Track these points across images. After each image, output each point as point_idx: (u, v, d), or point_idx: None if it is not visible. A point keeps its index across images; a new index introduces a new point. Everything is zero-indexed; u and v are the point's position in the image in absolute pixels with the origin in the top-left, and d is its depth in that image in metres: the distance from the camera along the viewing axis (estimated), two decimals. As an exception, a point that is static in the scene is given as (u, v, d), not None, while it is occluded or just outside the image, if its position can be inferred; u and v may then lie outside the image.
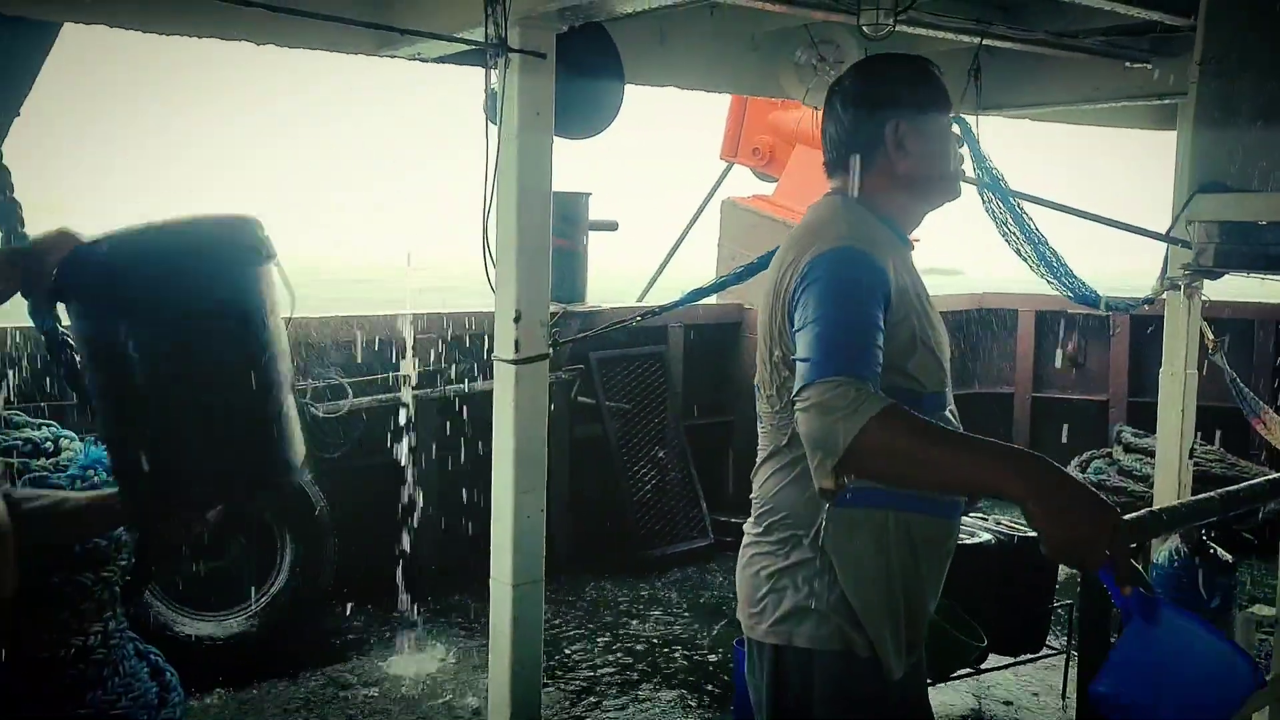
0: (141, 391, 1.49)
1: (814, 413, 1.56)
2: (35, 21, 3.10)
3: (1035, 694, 4.10)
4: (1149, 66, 4.57)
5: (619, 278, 9.21)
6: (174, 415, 1.51)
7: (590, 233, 5.59)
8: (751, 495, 1.99)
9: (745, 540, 1.98)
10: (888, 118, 1.88)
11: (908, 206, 1.94)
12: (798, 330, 1.70)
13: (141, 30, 3.17)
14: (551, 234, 3.27)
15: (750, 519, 1.98)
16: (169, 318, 1.48)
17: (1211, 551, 3.05)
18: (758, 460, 1.98)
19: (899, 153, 1.88)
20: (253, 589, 4.28)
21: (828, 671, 1.83)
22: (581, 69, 3.48)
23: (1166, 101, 4.74)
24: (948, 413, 1.92)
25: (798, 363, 1.65)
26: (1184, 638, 1.49)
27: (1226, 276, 3.13)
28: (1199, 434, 5.13)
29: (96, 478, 3.29)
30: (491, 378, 4.93)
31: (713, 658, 4.47)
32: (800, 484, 1.82)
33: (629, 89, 3.93)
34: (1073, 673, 3.72)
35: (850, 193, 1.91)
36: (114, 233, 1.49)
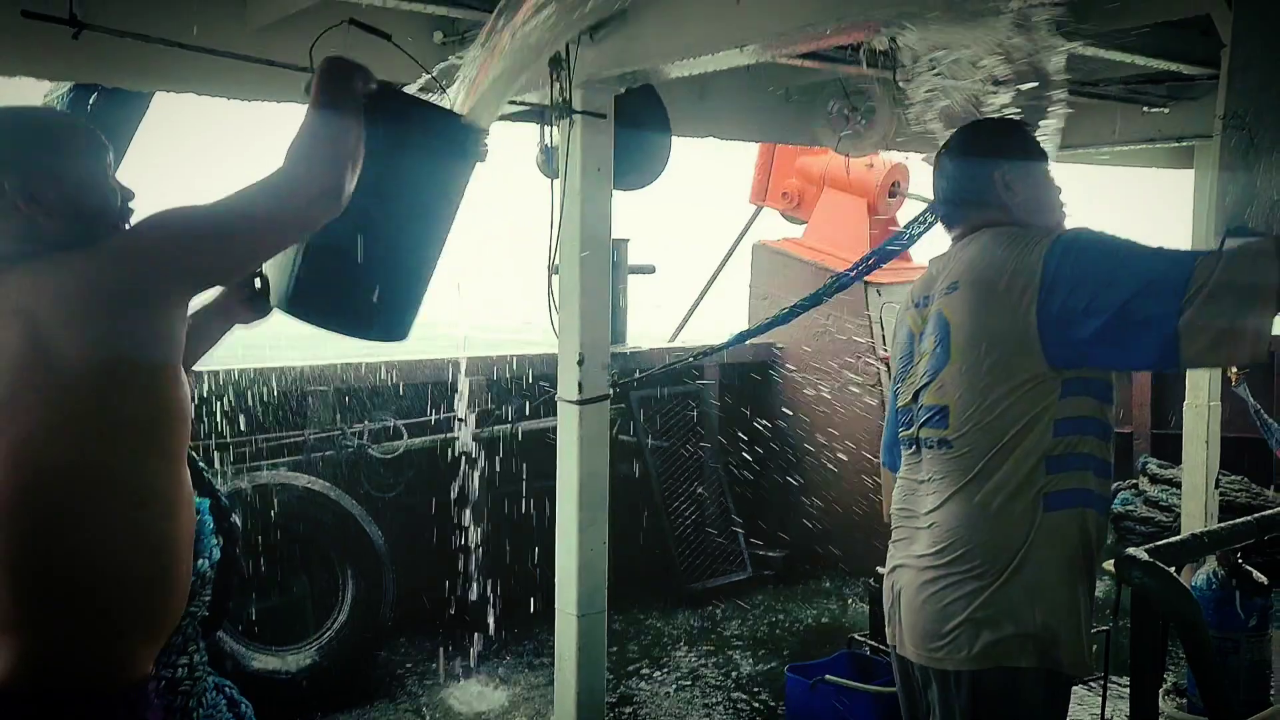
0: None
1: (1217, 286, 1.75)
2: (130, 92, 3.33)
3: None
4: (1166, 111, 4.77)
5: (649, 316, 9.39)
6: None
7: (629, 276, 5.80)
8: (925, 526, 2.06)
9: (921, 573, 2.04)
10: (996, 165, 2.14)
11: None
12: (1101, 286, 1.85)
13: (227, 97, 3.40)
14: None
15: (926, 550, 2.04)
16: None
17: (1248, 574, 3.20)
18: (932, 491, 2.06)
19: (1008, 193, 2.13)
20: (318, 625, 4.44)
21: (1031, 689, 1.94)
22: (634, 125, 3.69)
23: (1183, 144, 4.95)
24: None
25: (1141, 294, 1.81)
26: None
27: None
28: (1223, 463, 5.28)
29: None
30: (539, 417, 5.16)
31: (761, 691, 4.61)
32: (1006, 508, 1.95)
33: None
34: (1110, 697, 3.84)
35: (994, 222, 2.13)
36: None
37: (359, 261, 1.95)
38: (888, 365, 6.04)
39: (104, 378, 1.62)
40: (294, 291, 1.97)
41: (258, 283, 2.05)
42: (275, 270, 2.01)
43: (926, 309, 2.15)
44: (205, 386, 4.46)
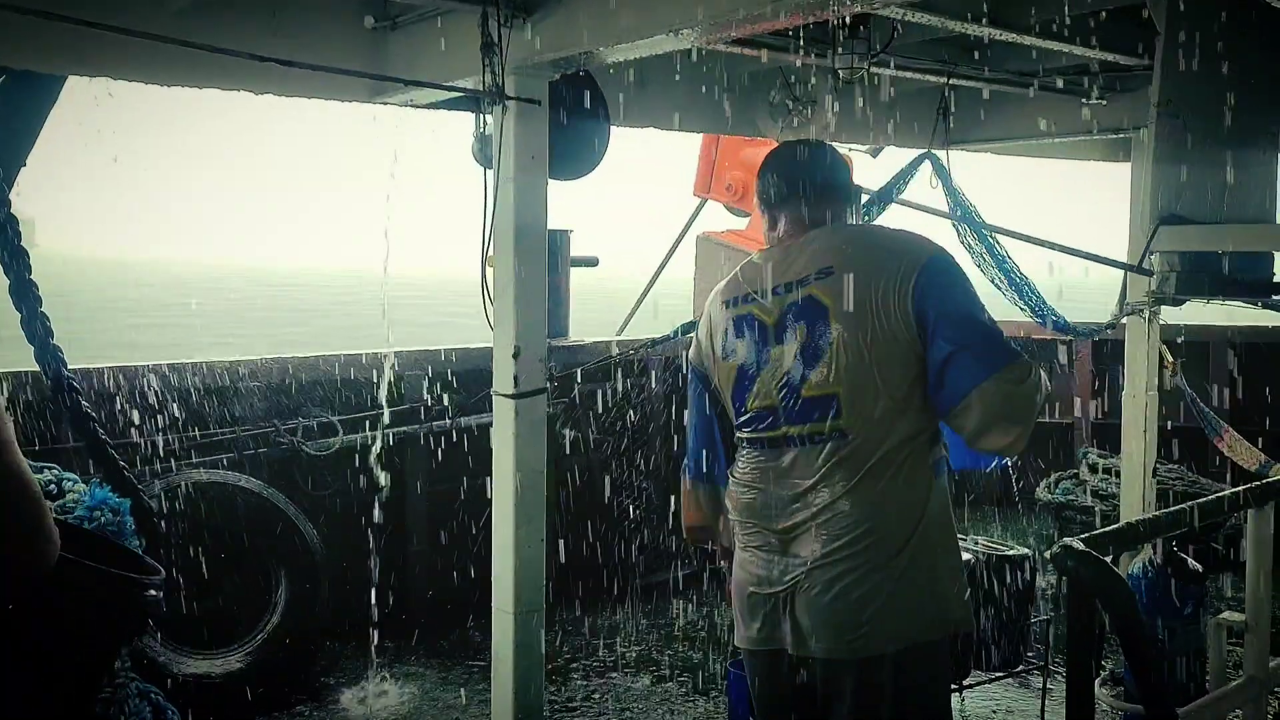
0: None
1: (1013, 389, 1.95)
2: (41, 75, 3.19)
3: (1014, 708, 4.23)
4: (1103, 103, 4.80)
5: (597, 310, 9.34)
6: None
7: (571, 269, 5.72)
8: (818, 521, 2.06)
9: (823, 570, 2.04)
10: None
11: None
12: (953, 321, 2.00)
13: (145, 82, 3.27)
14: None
15: (826, 546, 2.04)
16: None
17: (1183, 562, 3.21)
18: (821, 486, 2.06)
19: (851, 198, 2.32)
20: (249, 627, 4.31)
21: (942, 655, 2.09)
22: (571, 113, 3.62)
23: (1120, 136, 4.98)
24: None
25: (969, 349, 1.97)
26: None
27: (1187, 301, 3.32)
28: (1161, 452, 5.35)
29: (102, 518, 3.34)
30: (478, 412, 5.07)
31: (708, 685, 4.57)
32: (908, 488, 2.03)
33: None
34: (1051, 686, 3.86)
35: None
36: None
37: None
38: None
39: None
40: None
41: None
42: None
43: (784, 296, 2.14)
44: (129, 381, 4.32)
